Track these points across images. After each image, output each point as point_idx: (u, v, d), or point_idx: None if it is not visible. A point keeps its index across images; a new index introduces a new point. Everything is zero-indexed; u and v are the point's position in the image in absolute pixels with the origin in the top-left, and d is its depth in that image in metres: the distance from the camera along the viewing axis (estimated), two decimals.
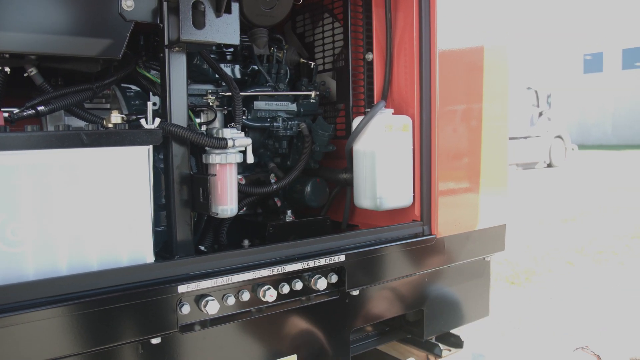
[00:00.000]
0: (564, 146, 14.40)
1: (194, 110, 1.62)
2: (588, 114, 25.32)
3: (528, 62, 22.13)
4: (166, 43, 1.27)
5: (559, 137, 14.22)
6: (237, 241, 1.57)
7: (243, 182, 1.67)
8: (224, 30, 1.28)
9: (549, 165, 14.08)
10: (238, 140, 1.34)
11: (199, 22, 1.24)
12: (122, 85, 1.58)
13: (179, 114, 1.31)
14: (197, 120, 1.62)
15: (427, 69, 1.67)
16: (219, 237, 1.59)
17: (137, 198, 1.22)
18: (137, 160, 1.21)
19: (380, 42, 1.76)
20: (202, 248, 1.50)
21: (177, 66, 1.30)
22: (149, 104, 1.24)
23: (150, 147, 1.24)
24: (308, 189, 1.74)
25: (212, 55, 1.72)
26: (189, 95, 1.63)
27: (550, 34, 24.23)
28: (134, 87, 1.60)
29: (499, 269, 5.12)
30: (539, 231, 6.66)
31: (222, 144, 1.31)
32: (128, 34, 1.26)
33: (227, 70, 1.74)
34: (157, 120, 1.24)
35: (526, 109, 13.48)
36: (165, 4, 1.25)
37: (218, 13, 1.26)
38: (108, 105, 1.60)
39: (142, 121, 1.24)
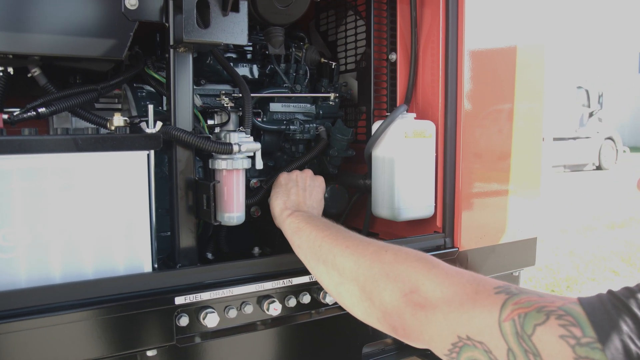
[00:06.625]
0: (615, 148, 13.82)
1: (208, 111, 1.57)
2: None
3: (579, 60, 21.31)
4: (171, 43, 1.22)
5: (610, 138, 13.65)
6: (249, 248, 1.51)
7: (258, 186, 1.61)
8: (231, 29, 1.21)
9: (599, 168, 13.53)
10: (245, 145, 1.28)
11: (203, 21, 1.18)
12: (135, 85, 1.54)
13: (183, 117, 1.26)
14: (211, 122, 1.57)
15: (454, 71, 1.56)
16: (228, 244, 1.53)
17: (136, 204, 1.17)
18: (136, 166, 1.16)
19: (405, 41, 1.66)
20: (209, 255, 1.45)
21: (183, 67, 1.25)
22: (150, 106, 1.19)
23: (151, 151, 1.19)
24: (326, 195, 1.66)
25: (230, 55, 1.66)
26: (204, 95, 1.59)
27: (604, 30, 23.28)
28: (148, 88, 1.55)
29: (538, 276, 4.92)
30: (584, 237, 6.39)
31: (227, 149, 1.25)
32: (131, 34, 1.21)
33: (245, 70, 1.67)
34: (159, 124, 1.19)
35: (576, 108, 13.00)
36: (170, 2, 1.19)
37: (224, 12, 1.20)
38: (120, 106, 1.57)
39: (143, 125, 1.19)
